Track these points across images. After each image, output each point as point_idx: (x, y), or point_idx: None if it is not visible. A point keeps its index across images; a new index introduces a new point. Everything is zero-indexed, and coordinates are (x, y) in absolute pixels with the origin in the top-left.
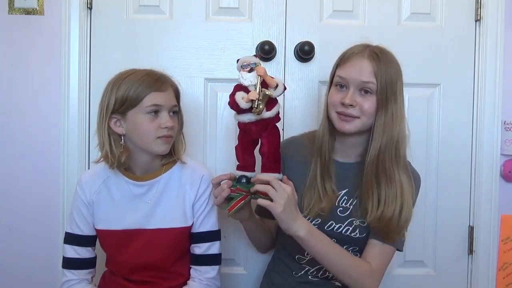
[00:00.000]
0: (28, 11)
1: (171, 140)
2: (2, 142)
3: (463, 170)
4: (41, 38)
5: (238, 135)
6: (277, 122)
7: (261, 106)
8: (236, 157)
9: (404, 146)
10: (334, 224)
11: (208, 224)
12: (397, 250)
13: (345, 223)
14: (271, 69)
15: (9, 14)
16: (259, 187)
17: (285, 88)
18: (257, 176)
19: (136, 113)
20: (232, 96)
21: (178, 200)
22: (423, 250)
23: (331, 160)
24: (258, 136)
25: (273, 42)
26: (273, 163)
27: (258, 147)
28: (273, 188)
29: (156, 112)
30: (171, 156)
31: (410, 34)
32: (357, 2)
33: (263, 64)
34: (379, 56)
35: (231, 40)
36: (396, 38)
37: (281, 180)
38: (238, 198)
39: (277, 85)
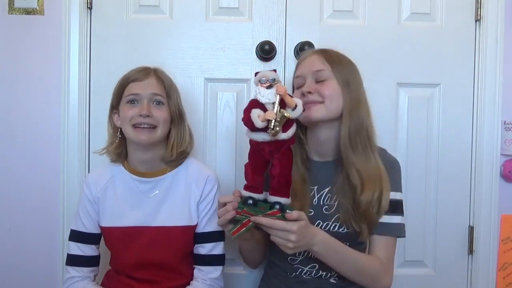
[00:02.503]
0: (28, 11)
1: (149, 130)
2: (2, 142)
3: (463, 170)
4: (41, 38)
5: (249, 152)
6: (291, 144)
7: (277, 128)
8: (245, 176)
9: (374, 137)
10: (321, 223)
11: (213, 224)
12: (399, 236)
13: (332, 220)
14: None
15: (9, 14)
16: (263, 222)
17: (303, 110)
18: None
19: (122, 104)
20: (247, 112)
21: (183, 198)
22: (423, 250)
23: (309, 160)
24: (270, 157)
25: (273, 42)
26: (283, 187)
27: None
28: (279, 230)
29: (133, 101)
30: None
31: (410, 34)
32: (357, 2)
33: (263, 65)
34: (326, 50)
35: (231, 40)
36: (396, 38)
37: (288, 205)
38: (243, 220)
39: (295, 106)
